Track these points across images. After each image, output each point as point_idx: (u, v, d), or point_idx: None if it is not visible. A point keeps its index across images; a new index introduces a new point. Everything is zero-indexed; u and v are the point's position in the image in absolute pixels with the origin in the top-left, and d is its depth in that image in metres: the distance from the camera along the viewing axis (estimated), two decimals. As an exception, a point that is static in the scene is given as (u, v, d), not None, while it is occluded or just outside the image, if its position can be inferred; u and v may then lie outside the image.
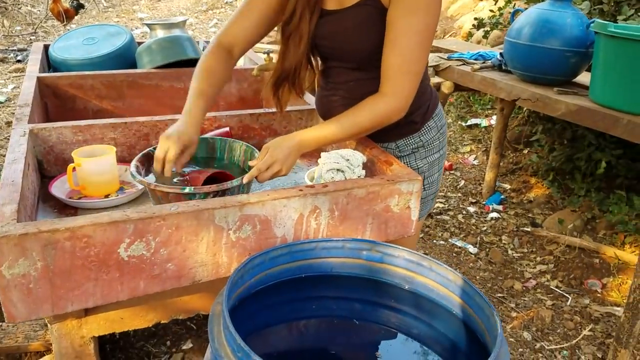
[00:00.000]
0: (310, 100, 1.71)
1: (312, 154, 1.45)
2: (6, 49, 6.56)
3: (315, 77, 1.45)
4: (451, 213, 3.25)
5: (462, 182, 3.65)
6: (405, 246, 1.07)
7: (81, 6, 6.97)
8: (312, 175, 1.31)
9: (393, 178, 1.21)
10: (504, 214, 3.19)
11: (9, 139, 3.84)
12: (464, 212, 3.26)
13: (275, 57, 1.39)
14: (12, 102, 4.59)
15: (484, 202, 3.34)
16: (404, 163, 1.40)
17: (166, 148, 1.14)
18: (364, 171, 1.29)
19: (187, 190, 1.10)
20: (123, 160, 1.42)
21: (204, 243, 1.04)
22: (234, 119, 1.60)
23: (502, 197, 3.36)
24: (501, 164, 3.60)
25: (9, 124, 4.07)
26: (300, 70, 1.35)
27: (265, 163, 1.16)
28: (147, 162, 1.23)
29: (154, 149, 1.18)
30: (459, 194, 3.50)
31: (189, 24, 8.79)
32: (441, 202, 3.38)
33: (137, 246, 0.97)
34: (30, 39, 7.16)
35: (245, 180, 1.15)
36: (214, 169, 1.28)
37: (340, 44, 1.29)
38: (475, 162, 3.88)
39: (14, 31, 7.48)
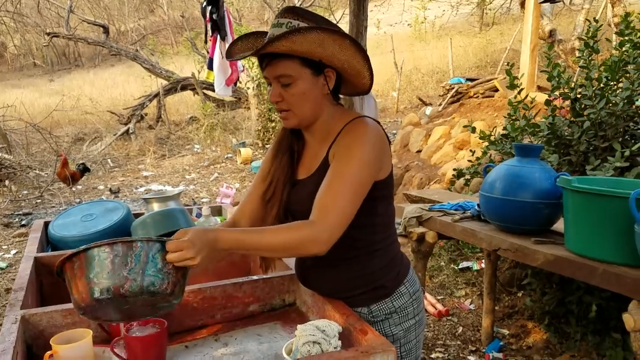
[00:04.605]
0: (292, 265, 1.79)
1: (292, 325, 1.50)
2: (12, 214, 6.80)
3: None
4: (451, 363, 3.20)
5: (460, 328, 3.62)
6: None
7: (87, 169, 7.36)
8: (290, 348, 1.35)
9: (367, 349, 1.24)
10: (505, 362, 3.13)
11: (6, 307, 3.89)
12: (464, 362, 3.20)
13: None
14: (14, 267, 4.69)
15: (483, 350, 3.29)
16: (379, 329, 1.45)
17: None
18: (340, 342, 1.33)
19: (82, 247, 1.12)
20: (105, 340, 1.46)
21: None
22: (217, 290, 1.67)
23: (501, 343, 3.31)
24: (497, 307, 3.60)
25: (8, 290, 4.13)
26: None
27: (182, 245, 1.16)
28: None
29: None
30: (458, 342, 3.45)
31: (190, 179, 9.19)
32: (441, 352, 3.33)
33: None
34: (36, 202, 7.45)
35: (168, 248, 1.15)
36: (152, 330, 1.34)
37: (306, 208, 1.41)
38: (472, 307, 3.87)
39: (20, 195, 7.80)
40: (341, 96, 1.54)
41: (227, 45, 4.69)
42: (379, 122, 1.43)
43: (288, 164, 1.50)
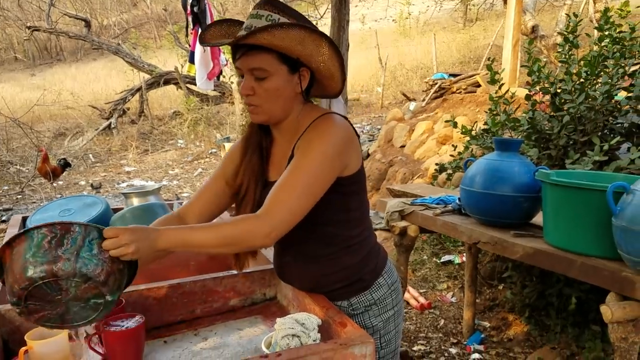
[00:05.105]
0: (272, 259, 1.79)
1: (272, 319, 1.50)
2: (-8, 209, 6.70)
3: None
4: (433, 356, 3.21)
5: (442, 321, 3.64)
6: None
7: (67, 164, 7.27)
8: (269, 341, 1.34)
9: (346, 342, 1.24)
10: (486, 355, 3.16)
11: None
12: (446, 355, 3.22)
13: None
14: (-7, 263, 4.63)
15: (465, 342, 3.32)
16: (359, 321, 1.46)
17: None
18: (319, 334, 1.33)
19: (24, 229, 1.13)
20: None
21: None
22: (197, 284, 1.66)
23: (483, 336, 3.34)
24: (478, 300, 3.63)
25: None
26: None
27: (119, 232, 1.14)
28: None
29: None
30: (440, 334, 3.48)
31: (174, 174, 9.13)
32: (423, 344, 3.35)
33: None
34: (17, 198, 7.36)
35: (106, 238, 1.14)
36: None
37: None
38: (453, 300, 3.90)
39: (1, 191, 7.70)
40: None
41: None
42: (347, 119, 1.42)
43: (258, 163, 1.47)
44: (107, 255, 1.14)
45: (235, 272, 1.74)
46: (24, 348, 1.26)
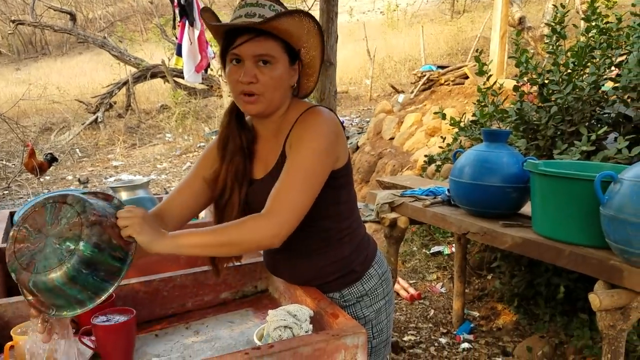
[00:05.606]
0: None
1: (264, 312, 1.50)
2: (-22, 205, 6.63)
3: None
4: (423, 346, 3.24)
5: (432, 311, 3.67)
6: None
7: (54, 159, 7.20)
8: (262, 333, 1.35)
9: (338, 332, 1.25)
10: (475, 344, 3.19)
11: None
12: (436, 344, 3.25)
13: None
14: (-20, 260, 4.58)
15: (454, 332, 3.34)
16: (351, 312, 1.46)
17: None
18: (311, 325, 1.33)
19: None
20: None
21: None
22: (188, 278, 1.66)
23: (472, 325, 3.37)
24: (468, 290, 3.66)
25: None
26: None
27: (129, 217, 1.17)
28: None
29: None
30: (430, 324, 3.50)
31: (162, 168, 9.07)
32: (413, 335, 3.37)
33: None
34: (3, 194, 7.28)
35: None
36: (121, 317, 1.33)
37: None
38: (443, 290, 3.93)
39: (-13, 187, 7.62)
40: None
41: (195, 31, 4.63)
42: (333, 111, 1.41)
43: (242, 163, 1.42)
44: (114, 220, 1.18)
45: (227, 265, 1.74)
46: (9, 343, 1.25)
